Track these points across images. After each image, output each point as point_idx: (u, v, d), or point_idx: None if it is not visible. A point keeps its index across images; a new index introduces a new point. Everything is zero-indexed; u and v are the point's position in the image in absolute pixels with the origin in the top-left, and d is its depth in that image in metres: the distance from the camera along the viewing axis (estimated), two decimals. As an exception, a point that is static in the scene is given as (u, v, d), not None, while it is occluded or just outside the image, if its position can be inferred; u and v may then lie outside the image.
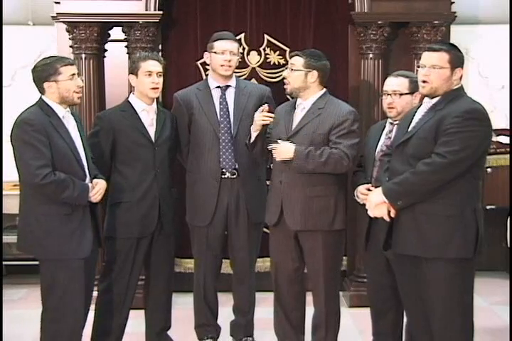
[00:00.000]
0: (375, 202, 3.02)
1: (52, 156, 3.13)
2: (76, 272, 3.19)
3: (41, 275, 3.24)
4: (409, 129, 3.02)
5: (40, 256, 3.24)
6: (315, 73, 3.50)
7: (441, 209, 2.90)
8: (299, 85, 3.49)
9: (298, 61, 3.49)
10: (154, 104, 3.70)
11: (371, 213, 3.07)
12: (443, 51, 2.97)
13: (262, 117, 3.48)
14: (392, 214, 2.99)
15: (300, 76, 3.49)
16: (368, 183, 3.39)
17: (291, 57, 3.56)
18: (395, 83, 3.43)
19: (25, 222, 3.21)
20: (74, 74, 3.25)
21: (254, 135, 3.55)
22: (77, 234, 3.19)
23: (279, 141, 3.45)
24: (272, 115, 3.50)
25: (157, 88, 3.62)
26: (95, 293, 3.74)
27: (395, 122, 3.38)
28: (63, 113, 3.27)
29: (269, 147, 3.48)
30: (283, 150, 3.42)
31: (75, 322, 3.24)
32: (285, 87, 3.54)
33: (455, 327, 2.94)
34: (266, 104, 3.53)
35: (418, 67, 3.06)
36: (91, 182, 3.30)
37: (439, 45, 3.04)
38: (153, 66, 3.60)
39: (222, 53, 3.78)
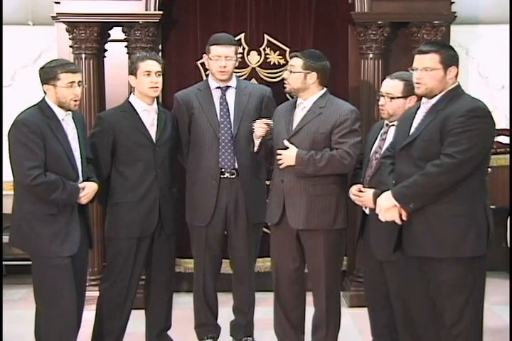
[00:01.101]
0: (385, 206, 2.99)
1: (46, 158, 3.17)
2: (63, 270, 3.22)
3: (32, 273, 3.30)
4: (412, 131, 3.01)
5: (28, 253, 3.31)
6: (314, 74, 3.49)
7: (453, 209, 2.90)
8: (298, 86, 3.50)
9: (297, 62, 3.50)
10: (155, 104, 3.70)
11: (382, 218, 3.04)
12: (432, 52, 2.96)
13: (259, 127, 3.57)
14: (404, 217, 2.97)
15: (299, 78, 3.49)
16: (361, 183, 3.39)
17: (290, 58, 3.57)
18: (389, 85, 3.40)
19: (16, 220, 3.28)
20: (73, 82, 3.25)
21: (257, 143, 3.58)
22: (62, 234, 3.23)
23: (278, 151, 3.46)
24: (270, 122, 3.57)
25: (156, 87, 3.62)
26: (95, 293, 3.76)
27: (391, 124, 3.38)
28: (63, 115, 3.30)
29: (276, 156, 3.49)
30: (287, 158, 3.42)
31: (66, 320, 3.26)
32: (286, 85, 3.56)
33: (466, 324, 2.95)
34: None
35: (412, 70, 3.05)
36: None
37: (428, 46, 3.02)
38: (151, 66, 3.61)
39: (217, 59, 3.77)
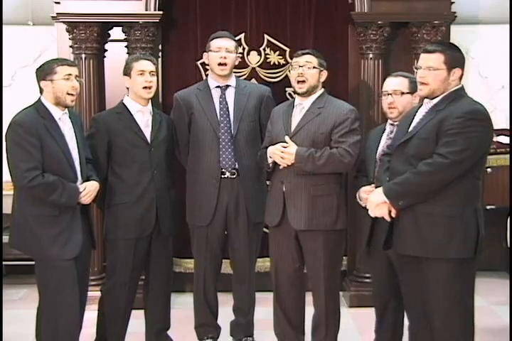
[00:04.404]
0: (375, 202, 3.01)
1: (43, 158, 3.16)
2: (65, 271, 3.21)
3: (36, 273, 3.29)
4: (410, 129, 3.02)
5: (29, 255, 3.31)
6: (325, 73, 3.55)
7: (442, 210, 2.89)
8: (315, 83, 3.52)
9: (312, 59, 3.51)
10: (149, 105, 3.71)
11: (372, 213, 3.07)
12: (438, 52, 2.96)
13: (277, 155, 3.43)
14: (393, 214, 2.99)
15: (316, 74, 3.51)
16: (370, 185, 3.38)
17: (301, 55, 3.53)
18: (396, 83, 3.44)
19: (16, 222, 3.26)
20: (70, 74, 3.26)
21: (270, 161, 3.54)
22: (63, 236, 3.21)
23: (279, 148, 3.42)
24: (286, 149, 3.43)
25: (150, 87, 3.62)
26: (96, 293, 3.76)
27: (396, 123, 3.38)
28: (60, 115, 3.29)
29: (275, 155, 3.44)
30: (287, 155, 3.40)
31: (69, 321, 3.25)
32: (300, 85, 3.49)
33: (455, 327, 2.94)
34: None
35: (416, 68, 3.06)
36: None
37: (435, 46, 3.03)
38: (145, 65, 3.62)
39: (218, 51, 3.79)
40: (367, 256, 3.48)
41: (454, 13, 4.56)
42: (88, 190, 3.30)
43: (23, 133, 3.14)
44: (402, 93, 3.40)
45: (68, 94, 3.26)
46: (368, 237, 3.39)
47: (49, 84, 3.25)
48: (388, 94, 3.43)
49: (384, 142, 3.41)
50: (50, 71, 3.24)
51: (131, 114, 3.64)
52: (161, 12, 4.51)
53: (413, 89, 3.35)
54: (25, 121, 3.18)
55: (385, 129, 3.48)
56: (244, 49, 4.75)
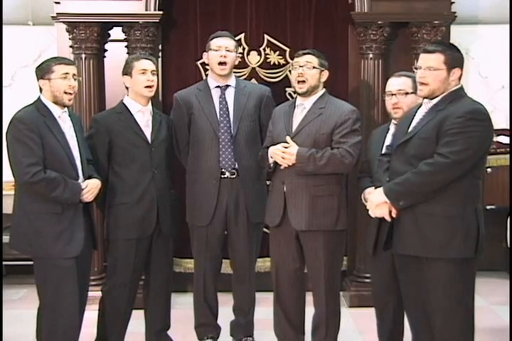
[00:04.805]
0: (376, 202, 3.01)
1: (45, 155, 3.16)
2: (66, 271, 3.20)
3: (35, 273, 3.28)
4: (410, 129, 3.02)
5: (30, 254, 3.29)
6: (326, 73, 3.54)
7: (442, 210, 2.90)
8: (315, 84, 3.51)
9: (312, 59, 3.51)
10: (149, 105, 3.71)
11: (372, 213, 3.07)
12: (438, 52, 2.97)
13: (278, 155, 3.43)
14: (394, 215, 2.99)
15: (316, 74, 3.51)
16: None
17: (302, 55, 3.53)
18: (399, 83, 3.43)
19: (17, 220, 3.25)
20: (67, 73, 3.26)
21: (271, 161, 3.53)
22: (66, 234, 3.20)
23: (280, 148, 3.41)
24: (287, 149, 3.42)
25: (152, 86, 3.63)
26: (96, 293, 3.76)
27: None
28: (59, 113, 3.29)
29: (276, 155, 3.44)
30: (288, 155, 3.40)
31: (69, 321, 3.24)
32: (300, 85, 3.49)
33: (456, 326, 2.95)
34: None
35: (415, 68, 3.06)
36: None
37: (435, 46, 3.03)
38: (146, 64, 3.63)
39: (218, 50, 3.80)
40: (373, 256, 3.46)
41: (454, 13, 4.56)
42: (90, 188, 3.30)
43: (24, 130, 3.14)
44: (407, 93, 3.39)
45: (65, 93, 3.26)
46: (375, 239, 3.38)
47: (47, 83, 3.26)
48: (392, 95, 3.42)
49: (388, 143, 3.40)
50: (47, 70, 3.25)
51: (132, 114, 3.65)
52: (161, 12, 4.51)
53: (416, 89, 3.35)
54: (26, 118, 3.18)
55: (389, 129, 3.47)
56: (244, 49, 4.75)
